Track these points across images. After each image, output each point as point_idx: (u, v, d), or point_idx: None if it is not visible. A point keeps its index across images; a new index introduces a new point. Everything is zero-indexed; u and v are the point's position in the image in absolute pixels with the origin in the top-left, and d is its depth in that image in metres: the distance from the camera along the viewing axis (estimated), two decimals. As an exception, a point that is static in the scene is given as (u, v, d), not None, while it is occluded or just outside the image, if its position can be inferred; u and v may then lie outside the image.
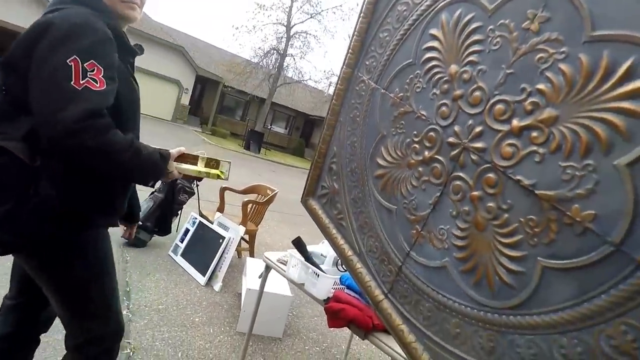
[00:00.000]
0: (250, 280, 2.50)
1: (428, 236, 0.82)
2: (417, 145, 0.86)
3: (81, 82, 0.87)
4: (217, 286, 2.89)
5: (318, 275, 1.43)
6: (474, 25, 0.74)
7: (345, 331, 2.36)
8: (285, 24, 18.72)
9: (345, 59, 1.09)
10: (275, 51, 18.91)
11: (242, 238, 3.38)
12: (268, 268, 1.81)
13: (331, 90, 20.12)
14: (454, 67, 0.77)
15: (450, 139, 0.77)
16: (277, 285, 2.55)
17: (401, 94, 0.91)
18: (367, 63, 1.02)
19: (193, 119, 19.96)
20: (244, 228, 3.26)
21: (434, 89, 0.82)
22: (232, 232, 3.19)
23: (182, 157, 1.18)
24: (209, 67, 19.10)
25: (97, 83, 0.89)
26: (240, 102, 21.89)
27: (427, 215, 0.82)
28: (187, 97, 18.76)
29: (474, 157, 0.73)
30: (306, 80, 19.84)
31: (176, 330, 2.22)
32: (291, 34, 18.63)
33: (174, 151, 1.14)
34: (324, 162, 1.20)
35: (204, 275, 2.97)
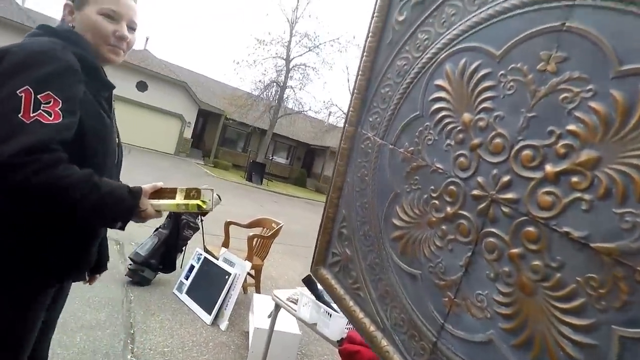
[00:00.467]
0: (257, 319, 2.38)
1: (464, 304, 0.71)
2: (436, 202, 0.79)
3: (31, 114, 0.80)
4: (224, 325, 2.76)
5: (330, 315, 1.28)
6: (482, 72, 0.71)
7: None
8: (285, 57, 19.71)
9: (347, 117, 1.06)
10: (275, 84, 19.69)
11: (248, 273, 3.27)
12: (278, 307, 1.67)
13: (331, 120, 20.80)
14: (467, 116, 0.73)
15: (475, 192, 0.70)
16: (285, 323, 2.37)
17: (411, 148, 0.85)
18: (371, 119, 0.99)
19: (195, 151, 20.24)
20: (250, 263, 3.15)
21: (448, 139, 0.77)
22: (238, 267, 3.09)
23: (159, 193, 1.06)
24: (210, 101, 19.69)
25: (51, 116, 0.82)
26: (242, 134, 22.33)
27: (460, 279, 0.73)
28: (189, 131, 19.29)
29: (505, 209, 0.65)
30: (306, 111, 20.53)
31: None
32: (290, 67, 19.56)
33: (147, 187, 1.03)
34: (332, 227, 1.12)
35: (209, 313, 2.85)
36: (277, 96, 19.58)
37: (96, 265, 1.20)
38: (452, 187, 0.75)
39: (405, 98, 0.88)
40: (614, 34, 0.53)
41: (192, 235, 3.51)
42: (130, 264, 3.33)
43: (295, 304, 1.55)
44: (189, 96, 18.59)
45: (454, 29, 0.77)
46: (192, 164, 16.97)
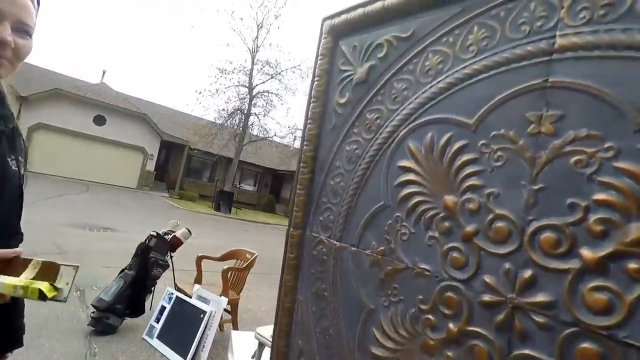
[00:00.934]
0: (238, 359, 2.10)
1: None
2: (430, 316, 0.57)
3: None
4: None
5: None
6: (457, 145, 0.58)
7: None
8: (247, 85, 19.90)
9: (290, 219, 0.86)
10: (239, 111, 19.77)
11: (224, 309, 3.01)
12: (262, 346, 1.50)
13: (297, 144, 20.67)
14: (449, 199, 0.58)
15: (485, 297, 0.51)
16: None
17: (382, 248, 0.66)
18: (322, 218, 0.80)
19: (159, 184, 19.71)
20: (226, 299, 2.89)
21: (429, 231, 0.60)
22: (214, 304, 2.84)
23: (6, 264, 0.83)
24: (173, 132, 19.67)
25: None
26: (207, 163, 22.10)
27: None
28: (152, 163, 18.93)
29: (539, 318, 0.46)
30: (271, 137, 20.62)
31: None
32: (254, 94, 19.75)
33: None
34: (285, 366, 0.82)
35: (184, 357, 2.57)
36: (242, 124, 19.61)
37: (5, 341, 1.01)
38: (449, 293, 0.56)
39: (363, 187, 0.72)
40: (619, 82, 0.44)
41: (161, 274, 3.20)
42: (93, 312, 3.01)
43: None
44: (150, 128, 18.29)
45: (409, 104, 0.67)
46: (156, 197, 16.13)
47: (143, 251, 3.34)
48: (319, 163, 0.83)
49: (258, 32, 20.58)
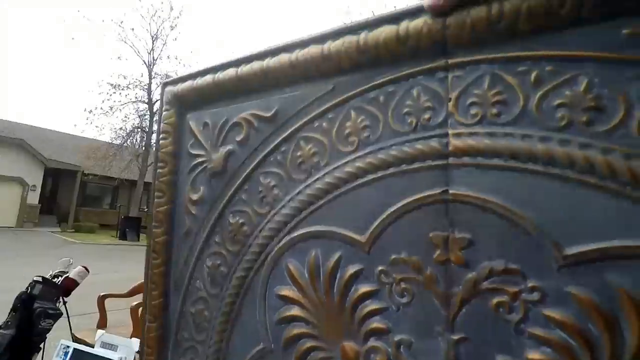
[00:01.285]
0: None
1: None
2: None
3: None
4: None
5: None
6: (350, 270, 0.44)
7: None
8: (147, 100, 17.66)
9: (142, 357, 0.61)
10: (139, 129, 17.60)
11: (136, 352, 2.37)
12: None
13: None
14: (349, 346, 0.43)
15: None
16: None
17: (268, 412, 0.48)
18: (187, 358, 0.58)
19: (47, 218, 17.25)
20: (138, 340, 2.13)
21: (329, 390, 0.44)
22: (123, 349, 2.49)
23: None
24: (61, 157, 17.48)
25: None
26: (107, 189, 19.91)
27: None
28: (35, 195, 16.54)
29: None
30: None
31: None
32: (154, 110, 17.23)
33: None
34: None
35: None
36: (144, 142, 17.58)
37: None
38: None
39: (235, 321, 0.53)
40: (531, 203, 0.35)
41: (52, 325, 2.57)
42: (-34, 395, 2.21)
43: None
44: (29, 155, 15.98)
45: (280, 208, 0.51)
46: (45, 233, 13.92)
47: (24, 302, 2.57)
48: (174, 283, 0.61)
49: (153, 44, 18.67)
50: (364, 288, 0.43)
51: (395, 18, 0.45)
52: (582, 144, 0.34)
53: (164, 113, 0.66)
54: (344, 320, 0.44)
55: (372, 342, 0.42)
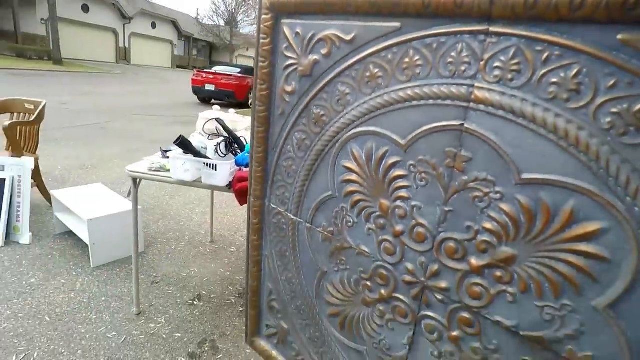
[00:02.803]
0: (82, 211, 2.13)
1: (415, 378, 0.75)
2: (368, 283, 0.79)
3: None
4: (26, 238, 2.28)
5: (216, 166, 1.29)
6: (392, 160, 0.70)
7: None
8: None
9: (250, 190, 0.97)
10: None
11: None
12: (136, 182, 1.50)
13: None
14: (384, 203, 0.72)
15: (406, 277, 0.72)
16: (112, 205, 2.23)
17: (331, 229, 0.82)
18: (278, 194, 0.92)
19: None
20: (32, 158, 2.46)
21: (368, 223, 0.76)
22: (12, 169, 2.38)
23: None
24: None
25: None
26: None
27: (406, 355, 0.76)
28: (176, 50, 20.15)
29: (439, 296, 0.68)
30: None
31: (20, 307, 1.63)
32: None
33: None
34: (260, 300, 1.05)
35: None
36: None
37: None
38: (382, 271, 0.75)
39: (313, 176, 0.83)
40: (512, 144, 0.56)
41: None
42: None
43: (159, 171, 1.47)
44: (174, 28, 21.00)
45: (351, 109, 0.74)
46: None
47: None
48: (271, 145, 0.90)
49: None
50: (398, 172, 0.69)
51: (460, -21, 0.56)
52: (557, 113, 0.52)
53: (262, 17, 0.82)
54: (383, 188, 0.72)
55: (398, 203, 0.70)
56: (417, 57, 0.64)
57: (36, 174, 2.65)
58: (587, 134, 0.50)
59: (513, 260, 0.59)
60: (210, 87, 8.93)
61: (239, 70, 9.47)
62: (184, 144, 1.34)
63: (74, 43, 18.02)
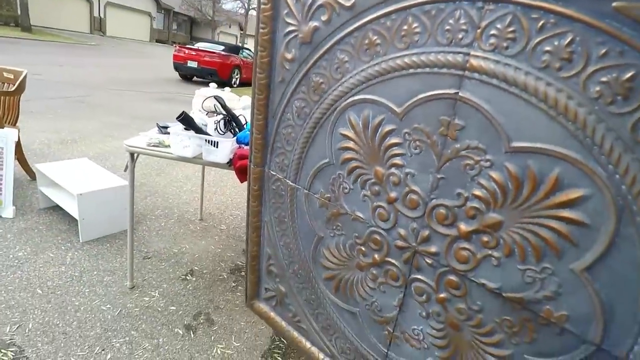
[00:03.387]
0: (71, 185, 2.13)
1: (402, 336, 0.79)
2: (362, 248, 0.82)
3: None
4: (9, 211, 2.25)
5: (217, 143, 1.32)
6: (387, 128, 0.71)
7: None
8: None
9: (250, 157, 0.99)
10: None
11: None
12: (134, 156, 1.52)
13: None
14: (379, 170, 0.74)
15: (398, 242, 0.75)
16: (101, 181, 2.25)
17: (328, 195, 0.85)
18: (277, 160, 0.94)
19: None
20: (15, 129, 2.42)
21: (363, 190, 0.78)
22: None
23: None
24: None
25: None
26: None
27: (396, 316, 0.80)
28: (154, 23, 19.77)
29: (428, 260, 0.71)
30: None
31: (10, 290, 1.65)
32: None
33: None
34: (259, 265, 1.10)
35: None
36: None
37: None
38: (375, 236, 0.78)
39: (312, 143, 0.85)
40: (504, 112, 0.57)
41: None
42: None
43: (157, 146, 1.48)
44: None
45: (349, 77, 0.74)
46: None
47: None
48: (271, 112, 0.92)
49: None
50: (394, 139, 0.71)
51: (460, -56, 0.56)
52: (548, 82, 0.53)
53: (264, -21, 0.82)
54: (378, 155, 0.74)
55: (393, 170, 0.72)
56: (415, 24, 0.64)
57: (17, 147, 2.56)
58: (576, 102, 0.51)
59: (499, 226, 0.61)
60: (192, 64, 8.75)
61: (222, 47, 9.26)
62: (187, 120, 1.35)
63: (43, 9, 16.98)
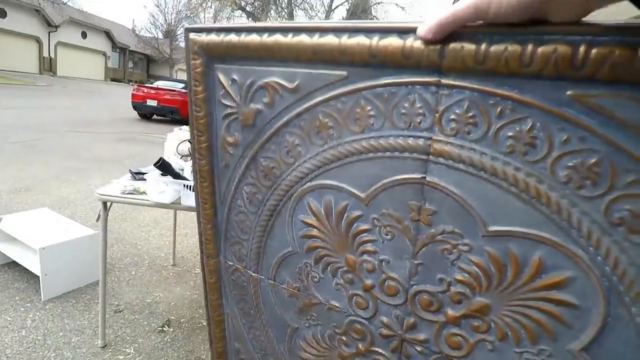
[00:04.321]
0: (32, 239, 1.97)
1: None
2: (343, 338, 0.75)
3: None
4: None
5: (191, 187, 1.27)
6: (354, 214, 0.66)
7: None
8: None
9: (202, 249, 0.88)
10: None
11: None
12: (106, 205, 1.45)
13: None
14: (350, 257, 0.69)
15: (383, 331, 0.69)
16: (63, 232, 2.08)
17: (296, 285, 0.77)
18: (234, 250, 0.85)
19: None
20: None
21: (335, 278, 0.72)
22: None
23: None
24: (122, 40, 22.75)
25: None
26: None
27: (390, 405, 0.74)
28: (109, 62, 20.39)
29: (418, 348, 0.66)
30: None
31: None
32: None
33: None
34: None
35: None
36: None
37: None
38: (356, 325, 0.72)
39: (270, 231, 0.77)
40: (476, 197, 0.55)
41: None
42: None
43: (132, 194, 1.38)
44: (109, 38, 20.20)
45: (303, 162, 0.69)
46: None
47: None
48: (219, 198, 0.83)
49: None
50: (362, 226, 0.66)
51: (403, 31, 0.54)
52: (516, 167, 0.51)
53: (192, 62, 0.74)
54: (347, 242, 0.68)
55: (365, 257, 0.67)
56: (369, 107, 0.60)
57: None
58: (547, 186, 0.50)
59: (488, 310, 0.58)
60: (152, 103, 8.44)
61: (182, 85, 9.08)
62: (164, 166, 1.25)
63: (-13, 50, 16.32)
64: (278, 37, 0.64)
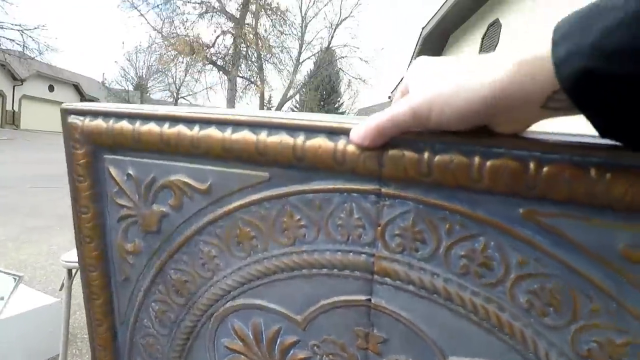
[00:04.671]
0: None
1: None
2: None
3: None
4: None
5: None
6: (289, 340, 0.54)
7: None
8: None
9: (97, 380, 0.69)
10: None
11: None
12: (71, 273, 1.31)
13: None
14: (287, 391, 0.56)
15: None
16: (19, 302, 1.87)
17: (223, 422, 0.62)
18: (140, 379, 0.67)
19: None
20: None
21: (271, 414, 0.58)
22: None
23: None
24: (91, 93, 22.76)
25: None
26: None
27: None
28: None
29: None
30: None
31: None
32: None
33: None
34: None
35: None
36: None
37: None
38: None
39: (188, 357, 0.62)
40: (430, 323, 0.46)
41: None
42: None
43: None
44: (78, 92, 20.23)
45: (224, 277, 0.56)
46: None
47: None
48: (119, 317, 0.65)
49: None
50: (300, 354, 0.54)
51: (332, 132, 0.45)
52: (473, 291, 0.44)
53: (72, 152, 0.59)
54: (283, 373, 0.56)
55: (305, 391, 0.55)
56: (298, 216, 0.50)
57: None
58: (509, 314, 0.43)
59: None
60: None
61: None
62: None
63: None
64: (181, 129, 0.52)
